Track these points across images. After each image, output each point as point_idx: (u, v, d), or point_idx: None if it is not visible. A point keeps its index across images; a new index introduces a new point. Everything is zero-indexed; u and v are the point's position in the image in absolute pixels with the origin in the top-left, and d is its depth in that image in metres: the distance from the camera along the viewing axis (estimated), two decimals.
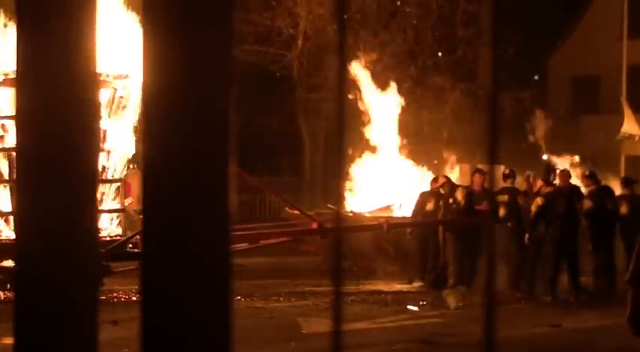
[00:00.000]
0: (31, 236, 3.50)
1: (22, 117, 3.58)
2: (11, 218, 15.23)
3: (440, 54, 30.80)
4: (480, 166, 18.21)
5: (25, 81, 3.53)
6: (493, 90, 2.88)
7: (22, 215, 3.59)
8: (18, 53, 3.51)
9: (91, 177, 3.57)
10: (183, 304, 3.22)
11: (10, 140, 15.35)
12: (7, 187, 15.41)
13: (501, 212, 16.22)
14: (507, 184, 16.54)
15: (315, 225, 16.59)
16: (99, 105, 3.61)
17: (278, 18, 29.75)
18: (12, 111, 14.50)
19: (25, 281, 3.54)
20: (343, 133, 2.84)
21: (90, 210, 3.55)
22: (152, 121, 3.22)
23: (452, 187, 17.38)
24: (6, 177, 15.44)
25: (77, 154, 3.48)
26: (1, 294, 14.76)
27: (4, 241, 15.03)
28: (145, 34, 3.23)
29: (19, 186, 3.64)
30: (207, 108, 3.22)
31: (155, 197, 3.25)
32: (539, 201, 15.93)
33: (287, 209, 20.73)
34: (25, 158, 3.56)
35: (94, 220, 3.62)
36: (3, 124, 15.56)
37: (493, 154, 2.87)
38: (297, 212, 18.89)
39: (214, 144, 3.22)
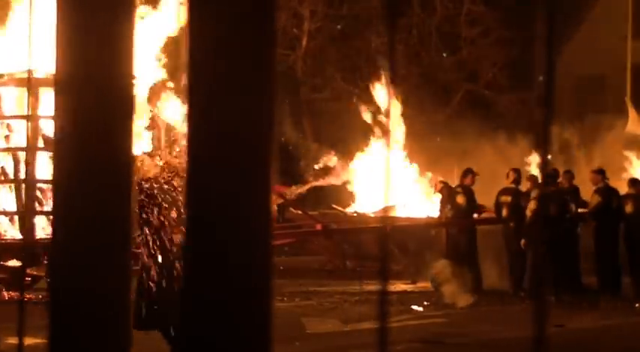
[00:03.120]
0: (67, 235, 3.51)
1: (60, 117, 3.59)
2: (16, 218, 15.23)
3: (444, 54, 30.80)
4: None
5: (64, 81, 3.55)
6: (549, 92, 2.88)
7: (58, 214, 3.60)
8: (57, 54, 3.53)
9: (127, 177, 3.57)
10: (223, 303, 3.24)
11: (16, 140, 15.36)
12: (12, 187, 15.40)
13: (504, 212, 16.19)
14: (511, 185, 16.51)
15: (319, 227, 16.58)
16: (134, 105, 3.62)
17: (282, 17, 29.73)
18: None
19: (60, 280, 3.55)
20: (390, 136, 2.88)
21: (125, 209, 3.56)
22: (196, 118, 3.27)
23: (449, 190, 17.40)
24: (11, 176, 15.40)
25: (114, 153, 3.50)
26: (6, 294, 14.74)
27: (8, 241, 15.04)
28: (192, 33, 3.27)
29: (55, 184, 3.65)
30: (249, 101, 3.26)
31: (201, 196, 3.28)
32: (532, 205, 15.54)
33: (291, 209, 20.72)
34: (62, 157, 3.56)
35: (128, 220, 3.61)
36: (8, 124, 15.55)
37: (545, 155, 2.87)
38: (300, 212, 18.89)
39: (257, 139, 3.28)
